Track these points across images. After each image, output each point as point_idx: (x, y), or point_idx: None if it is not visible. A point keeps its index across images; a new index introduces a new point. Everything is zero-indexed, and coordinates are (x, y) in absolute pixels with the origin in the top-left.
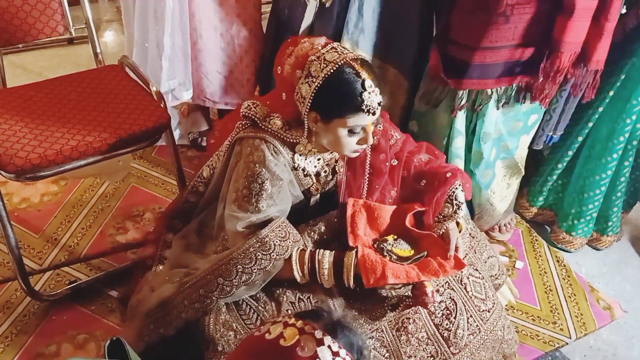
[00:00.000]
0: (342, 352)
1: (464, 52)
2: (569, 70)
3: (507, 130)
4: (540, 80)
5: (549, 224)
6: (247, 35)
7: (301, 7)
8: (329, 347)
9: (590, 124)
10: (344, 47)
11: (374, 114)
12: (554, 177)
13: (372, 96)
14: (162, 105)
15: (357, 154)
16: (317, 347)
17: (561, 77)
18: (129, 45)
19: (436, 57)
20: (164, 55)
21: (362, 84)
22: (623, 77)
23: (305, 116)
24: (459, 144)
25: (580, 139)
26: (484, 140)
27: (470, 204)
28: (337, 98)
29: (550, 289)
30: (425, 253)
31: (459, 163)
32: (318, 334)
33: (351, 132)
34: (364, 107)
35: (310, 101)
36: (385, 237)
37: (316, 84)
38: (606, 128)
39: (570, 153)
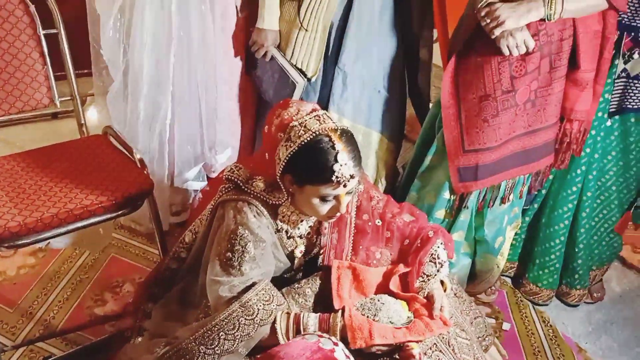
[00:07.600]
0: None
1: (484, 155)
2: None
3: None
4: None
5: (519, 277)
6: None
7: (289, 88)
8: (342, 350)
9: (551, 177)
10: (328, 116)
11: (345, 185)
12: (522, 230)
13: (344, 169)
14: (145, 172)
15: (332, 220)
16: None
17: (575, 145)
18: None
19: (455, 176)
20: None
21: (335, 156)
22: None
23: (279, 177)
24: (457, 237)
25: (544, 191)
26: (489, 227)
27: (472, 272)
28: (309, 166)
29: (538, 350)
30: (412, 316)
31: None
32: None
33: (323, 199)
34: (334, 178)
35: (283, 164)
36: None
37: (292, 148)
38: (557, 182)
39: (536, 206)
